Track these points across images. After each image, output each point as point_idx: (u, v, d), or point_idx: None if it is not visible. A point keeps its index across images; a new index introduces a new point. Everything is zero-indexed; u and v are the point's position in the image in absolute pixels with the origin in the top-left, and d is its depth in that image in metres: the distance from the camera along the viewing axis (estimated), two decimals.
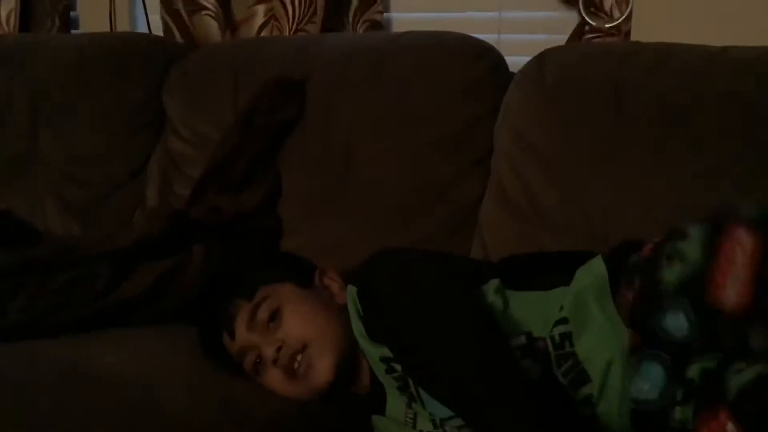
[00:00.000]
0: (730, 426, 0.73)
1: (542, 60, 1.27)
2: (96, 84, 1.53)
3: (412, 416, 0.99)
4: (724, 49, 1.18)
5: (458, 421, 0.93)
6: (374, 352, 0.95)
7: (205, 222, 1.31)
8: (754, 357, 0.76)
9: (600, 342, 0.88)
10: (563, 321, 0.90)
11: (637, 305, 0.85)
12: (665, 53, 1.19)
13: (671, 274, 0.82)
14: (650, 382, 0.83)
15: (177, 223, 1.31)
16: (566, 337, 0.89)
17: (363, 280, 0.93)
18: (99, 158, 1.50)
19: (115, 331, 1.13)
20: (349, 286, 0.96)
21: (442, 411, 0.94)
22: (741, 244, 0.79)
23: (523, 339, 0.91)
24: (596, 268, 0.91)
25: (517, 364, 0.86)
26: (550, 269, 0.97)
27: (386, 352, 0.93)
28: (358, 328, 0.94)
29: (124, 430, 0.91)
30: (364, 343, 0.95)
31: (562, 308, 0.90)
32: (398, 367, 0.95)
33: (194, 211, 1.33)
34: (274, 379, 1.02)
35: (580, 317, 0.89)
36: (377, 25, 1.57)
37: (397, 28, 1.62)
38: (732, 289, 0.78)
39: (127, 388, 0.97)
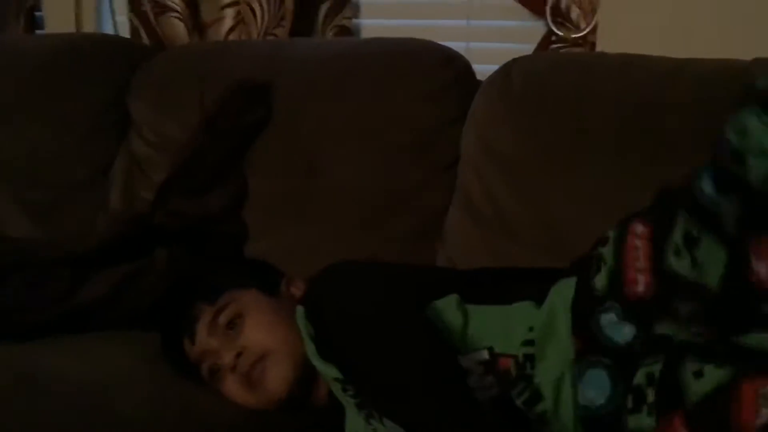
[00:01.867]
0: None
1: (509, 69, 1.27)
2: (59, 84, 1.50)
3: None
4: (686, 61, 1.19)
5: None
6: (328, 372, 0.93)
7: (168, 226, 1.30)
8: (702, 352, 0.77)
9: (556, 361, 0.87)
10: (530, 343, 0.89)
11: (578, 312, 0.86)
12: (629, 64, 1.20)
13: (600, 280, 0.85)
14: (595, 388, 0.83)
15: (139, 227, 1.29)
16: (529, 359, 0.89)
17: (310, 300, 0.91)
18: (61, 160, 1.48)
19: (72, 336, 1.11)
20: (298, 307, 0.93)
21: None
22: (639, 237, 0.81)
23: (485, 354, 0.90)
24: (567, 291, 0.90)
25: (464, 382, 0.85)
26: (512, 284, 0.96)
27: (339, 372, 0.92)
28: (310, 348, 0.92)
29: None
30: (318, 363, 0.93)
31: (532, 329, 0.89)
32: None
33: (158, 215, 1.32)
34: (231, 386, 1.00)
35: (546, 340, 0.88)
36: (346, 31, 1.57)
37: (366, 34, 1.62)
38: (641, 282, 0.80)
39: (83, 395, 0.95)
